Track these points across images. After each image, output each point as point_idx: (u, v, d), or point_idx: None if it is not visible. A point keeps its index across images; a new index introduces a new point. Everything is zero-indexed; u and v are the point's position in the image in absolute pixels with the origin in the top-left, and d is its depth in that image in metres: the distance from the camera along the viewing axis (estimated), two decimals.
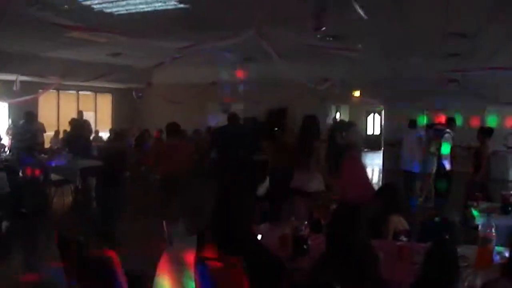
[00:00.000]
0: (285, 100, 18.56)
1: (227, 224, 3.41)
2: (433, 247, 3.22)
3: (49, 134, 17.41)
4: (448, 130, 10.61)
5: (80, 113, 16.14)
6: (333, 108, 22.19)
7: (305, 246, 4.29)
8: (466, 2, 8.67)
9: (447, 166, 10.28)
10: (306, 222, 4.35)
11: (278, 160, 7.73)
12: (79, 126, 14.55)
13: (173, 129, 9.04)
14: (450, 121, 10.91)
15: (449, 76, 15.86)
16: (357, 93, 19.98)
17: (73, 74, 15.54)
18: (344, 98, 20.54)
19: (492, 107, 16.99)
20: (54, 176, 11.66)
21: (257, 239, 3.61)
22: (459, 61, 14.22)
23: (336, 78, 18.14)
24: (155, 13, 9.61)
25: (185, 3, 9.22)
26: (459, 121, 17.46)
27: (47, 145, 16.59)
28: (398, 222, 5.05)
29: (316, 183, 6.90)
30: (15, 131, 14.06)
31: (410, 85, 16.66)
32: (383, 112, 20.07)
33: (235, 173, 8.14)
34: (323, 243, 4.38)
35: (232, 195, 3.54)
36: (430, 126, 12.99)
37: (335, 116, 21.66)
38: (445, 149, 10.30)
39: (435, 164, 10.96)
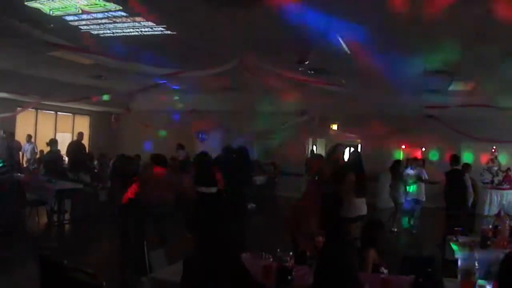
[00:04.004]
0: (262, 131, 18.73)
1: (216, 251, 3.42)
2: (420, 281, 3.27)
3: None
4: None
5: (80, 134, 15.89)
6: (310, 141, 22.28)
7: (289, 277, 4.29)
8: (446, 41, 8.89)
9: None
10: (291, 253, 4.36)
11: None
12: (78, 147, 14.49)
13: (160, 160, 8.95)
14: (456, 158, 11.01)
15: (426, 112, 16.16)
16: (334, 127, 20.15)
17: (54, 94, 15.44)
18: (321, 132, 20.68)
19: (467, 143, 17.35)
20: (29, 196, 11.45)
21: (244, 266, 3.62)
22: (437, 98, 14.52)
23: (314, 111, 18.33)
24: (142, 38, 9.68)
25: (172, 30, 9.30)
26: (435, 156, 17.87)
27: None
28: (375, 256, 5.11)
29: None
30: None
31: (388, 120, 16.86)
32: (359, 146, 20.15)
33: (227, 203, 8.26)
34: (307, 274, 4.41)
35: (222, 223, 3.56)
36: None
37: (312, 149, 21.71)
38: None
39: None
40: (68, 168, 14.50)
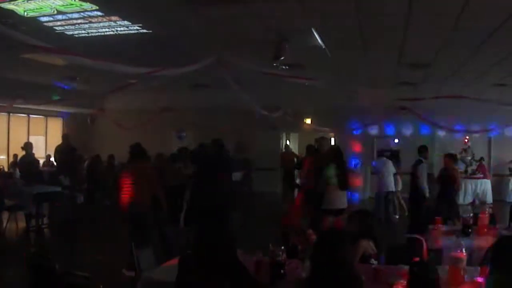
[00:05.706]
0: (236, 128, 18.72)
1: (213, 248, 3.43)
2: (416, 269, 3.33)
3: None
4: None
5: (65, 136, 15.61)
6: (283, 135, 22.38)
7: (282, 271, 4.34)
8: (422, 37, 9.04)
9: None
10: (283, 247, 4.40)
11: None
12: (69, 151, 14.33)
13: (140, 151, 8.74)
14: (423, 149, 11.07)
15: (400, 104, 16.35)
16: (308, 121, 20.27)
17: (28, 97, 15.20)
18: (294, 126, 20.78)
19: (441, 134, 17.68)
20: (7, 202, 11.26)
21: (241, 262, 3.65)
22: (411, 90, 14.74)
23: (288, 106, 18.37)
24: (117, 37, 9.60)
25: (147, 29, 9.25)
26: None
27: None
28: (368, 246, 5.12)
29: None
30: None
31: (361, 113, 17.07)
32: (333, 139, 20.31)
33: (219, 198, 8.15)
34: (298, 267, 4.47)
35: (218, 219, 3.58)
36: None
37: (286, 144, 21.81)
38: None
39: None
40: (56, 171, 14.32)
